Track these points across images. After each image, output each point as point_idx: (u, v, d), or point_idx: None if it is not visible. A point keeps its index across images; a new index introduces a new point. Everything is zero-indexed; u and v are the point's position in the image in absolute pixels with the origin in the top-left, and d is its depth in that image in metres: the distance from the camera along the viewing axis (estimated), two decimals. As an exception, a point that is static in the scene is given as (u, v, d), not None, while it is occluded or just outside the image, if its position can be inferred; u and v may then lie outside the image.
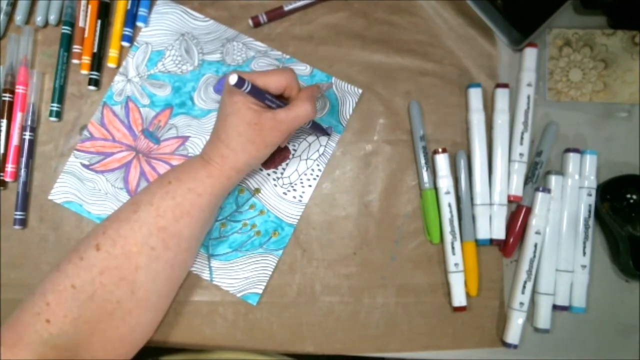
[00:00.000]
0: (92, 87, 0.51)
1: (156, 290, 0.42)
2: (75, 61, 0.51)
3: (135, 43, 0.52)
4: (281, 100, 0.42)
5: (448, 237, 0.48)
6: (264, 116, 0.40)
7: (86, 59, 0.51)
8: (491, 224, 0.49)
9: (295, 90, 0.42)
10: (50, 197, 0.49)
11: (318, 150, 0.51)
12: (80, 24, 0.51)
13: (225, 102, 0.41)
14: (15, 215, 0.48)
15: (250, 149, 0.41)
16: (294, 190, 0.50)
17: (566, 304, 0.49)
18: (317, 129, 0.49)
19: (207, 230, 0.47)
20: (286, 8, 0.51)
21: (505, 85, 0.50)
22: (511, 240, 0.49)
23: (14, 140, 0.49)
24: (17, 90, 0.49)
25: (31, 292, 0.40)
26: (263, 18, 0.51)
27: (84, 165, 0.50)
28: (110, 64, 0.51)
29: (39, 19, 0.50)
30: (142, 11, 0.51)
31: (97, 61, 0.51)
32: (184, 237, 0.41)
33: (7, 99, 0.49)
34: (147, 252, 0.40)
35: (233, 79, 0.36)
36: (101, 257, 0.39)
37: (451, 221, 0.48)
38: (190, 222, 0.41)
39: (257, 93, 0.39)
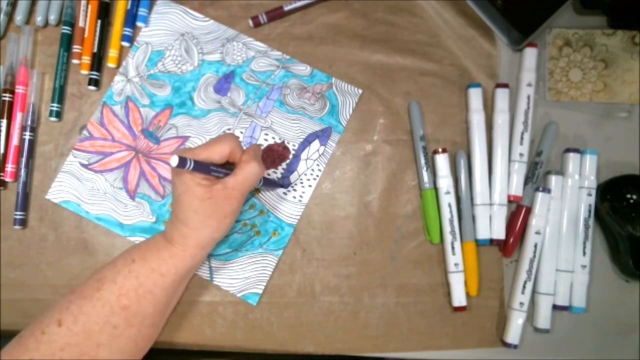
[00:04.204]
0: (92, 87, 0.51)
1: None
2: (75, 61, 0.51)
3: (135, 43, 0.52)
4: (228, 167, 0.42)
5: (448, 237, 0.48)
6: (215, 188, 0.40)
7: (86, 59, 0.51)
8: (491, 224, 0.49)
9: (239, 153, 0.42)
10: (47, 197, 0.49)
11: (318, 150, 0.51)
12: (80, 24, 0.51)
13: (175, 183, 0.41)
14: (15, 215, 0.48)
15: (210, 223, 0.41)
16: (294, 190, 0.50)
17: (566, 304, 0.49)
18: (272, 184, 0.49)
19: (175, 304, 0.46)
20: (286, 8, 0.51)
21: (505, 85, 0.50)
22: (511, 240, 0.49)
23: (14, 140, 0.49)
24: (17, 90, 0.49)
25: None
26: (263, 18, 0.51)
27: (82, 165, 0.50)
28: (110, 64, 0.51)
29: (39, 19, 0.50)
30: (142, 11, 0.51)
31: (97, 61, 0.51)
32: (147, 314, 0.41)
33: (7, 99, 0.49)
34: (109, 330, 0.40)
35: (174, 161, 0.35)
36: (62, 333, 0.39)
37: (451, 221, 0.48)
38: (153, 300, 0.41)
39: (202, 168, 0.38)
